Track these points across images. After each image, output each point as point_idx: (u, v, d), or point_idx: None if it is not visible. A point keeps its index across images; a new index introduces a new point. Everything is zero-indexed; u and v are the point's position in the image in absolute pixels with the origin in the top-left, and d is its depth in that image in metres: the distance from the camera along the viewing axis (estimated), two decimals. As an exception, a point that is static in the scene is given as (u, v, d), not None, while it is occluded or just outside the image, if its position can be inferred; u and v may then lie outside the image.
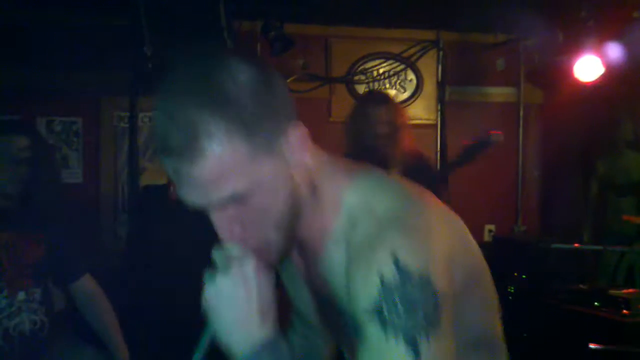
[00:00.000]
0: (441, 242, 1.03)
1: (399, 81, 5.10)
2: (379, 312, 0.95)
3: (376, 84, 5.04)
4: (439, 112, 5.03)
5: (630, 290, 3.37)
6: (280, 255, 1.10)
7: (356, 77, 5.02)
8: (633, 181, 4.35)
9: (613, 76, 4.24)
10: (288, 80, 4.73)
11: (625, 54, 4.13)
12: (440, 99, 5.02)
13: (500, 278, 3.89)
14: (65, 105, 4.59)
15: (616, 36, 4.17)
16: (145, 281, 3.67)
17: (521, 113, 5.18)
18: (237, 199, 1.01)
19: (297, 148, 1.06)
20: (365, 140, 3.16)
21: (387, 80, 5.08)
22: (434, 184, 3.13)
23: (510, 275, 3.79)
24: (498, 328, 1.26)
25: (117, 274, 3.82)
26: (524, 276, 3.74)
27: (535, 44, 4.91)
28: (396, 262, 0.96)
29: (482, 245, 4.04)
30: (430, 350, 0.94)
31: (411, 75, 5.12)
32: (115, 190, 4.68)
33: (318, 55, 4.97)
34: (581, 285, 3.48)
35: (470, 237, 1.16)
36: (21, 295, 2.51)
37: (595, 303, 3.21)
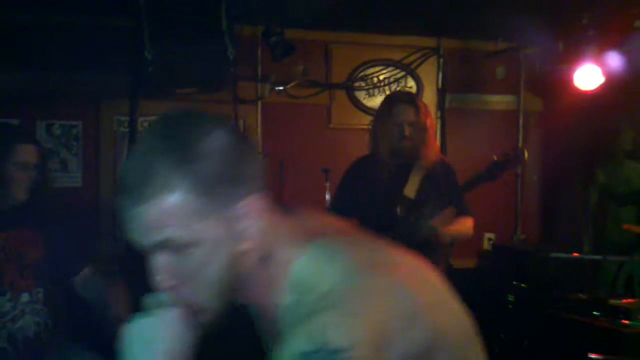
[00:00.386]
0: (374, 324, 1.02)
1: (399, 88, 5.10)
2: None
3: (376, 91, 5.04)
4: (439, 119, 5.03)
5: (630, 300, 3.37)
6: (210, 317, 1.12)
7: (356, 84, 5.03)
8: (633, 190, 4.36)
9: (613, 85, 4.25)
10: (288, 86, 4.74)
11: (625, 63, 4.14)
12: (440, 106, 5.02)
13: (499, 286, 3.90)
14: (65, 108, 4.58)
15: (616, 45, 4.18)
16: (144, 285, 3.65)
17: (521, 121, 5.18)
18: (172, 247, 1.05)
19: (252, 218, 1.07)
20: (392, 142, 3.10)
21: (387, 87, 5.08)
22: (457, 193, 3.10)
23: (509, 284, 3.79)
24: None
25: (114, 277, 3.80)
26: (523, 285, 3.73)
27: (535, 52, 4.92)
28: (317, 340, 0.96)
29: (482, 253, 4.05)
30: None
31: (411, 82, 5.12)
32: (115, 194, 4.66)
33: (318, 61, 4.98)
34: (580, 295, 3.47)
35: (425, 303, 1.11)
36: (25, 297, 2.50)
37: (595, 312, 3.21)
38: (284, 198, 4.26)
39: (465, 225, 3.10)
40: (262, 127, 4.87)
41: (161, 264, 1.07)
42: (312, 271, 1.08)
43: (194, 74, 4.27)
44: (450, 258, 3.27)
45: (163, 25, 3.96)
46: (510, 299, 3.71)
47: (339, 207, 3.28)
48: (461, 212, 3.06)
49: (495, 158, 2.92)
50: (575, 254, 3.88)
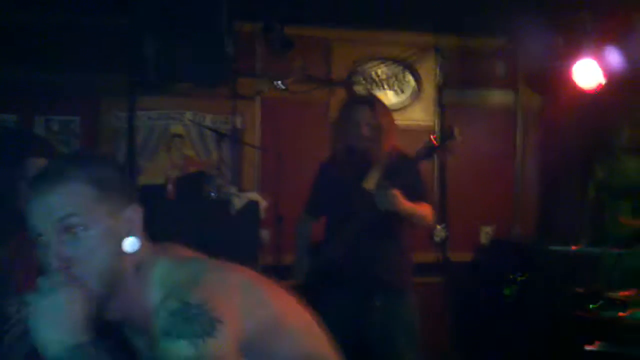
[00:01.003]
0: (228, 294, 1.30)
1: (397, 84, 5.10)
2: (167, 332, 1.21)
3: (375, 86, 5.04)
4: (438, 116, 5.03)
5: (627, 292, 3.37)
6: (97, 303, 1.28)
7: (355, 80, 5.03)
8: (630, 185, 4.35)
9: (612, 81, 4.25)
10: (287, 82, 4.74)
11: (624, 59, 4.14)
12: (439, 102, 5.02)
13: (496, 280, 3.93)
14: (64, 104, 4.59)
15: (615, 41, 4.18)
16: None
17: (519, 117, 5.19)
18: (70, 225, 1.25)
19: (135, 225, 1.33)
20: (350, 141, 3.25)
21: (386, 83, 5.08)
22: (416, 183, 3.20)
23: (506, 278, 3.79)
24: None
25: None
26: (519, 278, 3.74)
27: (534, 48, 4.91)
28: (182, 300, 1.23)
29: (479, 247, 4.08)
30: (208, 347, 1.19)
31: (410, 78, 5.13)
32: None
33: (318, 57, 4.98)
34: (578, 288, 3.48)
35: (271, 298, 1.43)
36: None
37: (592, 305, 3.22)
38: (282, 194, 4.27)
39: (422, 207, 3.20)
40: (260, 122, 4.88)
41: (56, 245, 1.26)
42: (170, 268, 1.34)
43: (193, 70, 4.28)
44: (447, 251, 3.30)
45: (162, 21, 3.98)
46: (506, 292, 3.71)
47: (311, 210, 3.54)
48: (420, 199, 3.15)
49: (433, 136, 3.12)
50: (574, 247, 3.88)
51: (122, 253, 1.30)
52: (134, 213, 1.33)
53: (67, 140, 4.59)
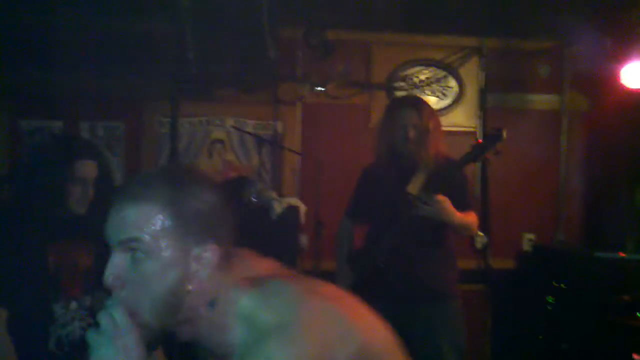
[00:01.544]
0: (316, 346, 1.20)
1: (439, 88, 5.05)
2: None
3: (417, 91, 5.00)
4: (480, 120, 4.96)
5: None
6: (149, 333, 1.24)
7: (396, 84, 5.00)
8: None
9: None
10: (328, 87, 4.74)
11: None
12: (482, 106, 4.96)
13: (538, 288, 3.85)
14: (108, 110, 4.67)
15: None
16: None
17: (565, 121, 5.07)
18: (133, 248, 1.21)
19: (205, 265, 1.24)
20: (395, 144, 3.18)
21: (427, 87, 5.03)
22: (463, 190, 3.12)
23: (549, 285, 3.71)
24: None
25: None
26: (563, 286, 3.66)
27: (581, 50, 4.81)
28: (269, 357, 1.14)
29: (521, 254, 3.99)
30: None
31: (452, 82, 5.07)
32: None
33: (359, 61, 4.96)
34: (624, 296, 3.38)
35: (356, 323, 1.32)
36: (74, 305, 2.56)
37: (638, 314, 3.13)
38: (322, 200, 4.26)
39: (469, 216, 3.11)
40: (301, 127, 4.89)
41: (116, 263, 1.23)
42: (256, 305, 1.24)
43: (235, 75, 4.32)
44: (488, 258, 3.24)
45: (205, 27, 4.02)
46: (549, 300, 3.63)
47: (352, 213, 3.48)
48: (466, 207, 3.07)
49: (479, 140, 2.99)
50: (621, 254, 3.77)
51: (185, 289, 1.22)
52: (208, 253, 1.24)
53: (111, 145, 4.67)
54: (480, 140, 3.05)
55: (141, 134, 4.75)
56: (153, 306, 1.22)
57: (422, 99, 3.45)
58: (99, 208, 2.54)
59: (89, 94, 4.51)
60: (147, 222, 1.21)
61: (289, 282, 1.33)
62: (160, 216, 1.21)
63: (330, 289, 1.38)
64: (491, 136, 3.02)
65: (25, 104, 4.54)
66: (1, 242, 2.39)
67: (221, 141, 4.83)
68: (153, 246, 1.20)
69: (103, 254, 2.61)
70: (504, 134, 2.98)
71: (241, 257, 1.37)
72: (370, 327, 1.37)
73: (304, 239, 4.34)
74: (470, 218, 3.11)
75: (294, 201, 4.28)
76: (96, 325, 1.22)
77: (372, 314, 1.41)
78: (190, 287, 1.22)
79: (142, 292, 1.22)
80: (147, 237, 1.20)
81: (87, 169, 2.52)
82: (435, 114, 3.35)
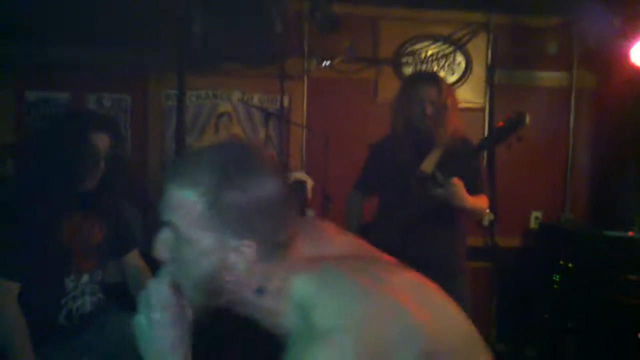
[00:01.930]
0: (370, 348, 1.13)
1: (447, 64, 5.02)
2: None
3: (424, 66, 4.97)
4: (488, 96, 4.94)
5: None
6: (195, 306, 1.26)
7: (404, 59, 4.96)
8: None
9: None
10: (335, 61, 4.71)
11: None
12: (490, 83, 4.92)
13: (545, 266, 3.84)
14: (115, 82, 4.65)
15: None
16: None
17: (573, 98, 5.04)
18: (174, 231, 1.21)
19: (242, 259, 1.20)
20: (412, 120, 3.11)
21: (435, 63, 5.00)
22: (476, 172, 3.08)
23: (555, 264, 3.71)
24: None
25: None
26: (570, 265, 3.66)
27: (590, 27, 4.76)
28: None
29: (528, 232, 3.97)
30: None
31: (460, 58, 5.03)
32: (162, 167, 4.74)
33: (365, 36, 4.93)
34: (631, 276, 3.39)
35: (419, 317, 1.23)
36: (85, 278, 2.57)
37: (645, 294, 3.13)
38: (329, 173, 4.26)
39: (480, 200, 3.04)
40: (307, 102, 4.87)
41: (164, 237, 1.24)
42: (312, 295, 1.20)
43: (241, 49, 4.29)
44: (495, 236, 3.23)
45: (212, 1, 3.99)
46: (555, 278, 3.64)
47: (361, 185, 3.42)
48: (478, 190, 3.02)
49: (500, 123, 2.87)
50: (630, 233, 3.74)
51: (223, 278, 1.21)
52: (247, 249, 1.19)
53: (118, 118, 4.66)
54: (501, 123, 2.92)
55: (148, 107, 4.73)
56: (193, 285, 1.23)
57: (438, 74, 3.36)
58: (110, 182, 2.54)
59: (96, 66, 4.49)
60: (185, 209, 1.19)
61: (351, 272, 1.26)
62: (198, 205, 1.18)
63: (400, 276, 1.33)
64: (513, 120, 2.87)
65: (31, 75, 4.51)
66: (15, 215, 2.39)
67: (228, 114, 4.82)
68: (189, 233, 1.19)
69: (113, 227, 2.64)
70: (527, 118, 2.84)
71: (309, 232, 1.34)
72: (440, 323, 1.28)
73: (311, 213, 4.35)
74: (481, 202, 3.05)
75: (301, 175, 4.28)
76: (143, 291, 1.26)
77: (448, 305, 1.36)
78: (228, 277, 1.21)
79: (183, 271, 1.23)
80: (183, 224, 1.19)
81: (101, 142, 2.51)
82: (453, 91, 3.26)
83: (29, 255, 2.36)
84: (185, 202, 1.19)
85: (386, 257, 1.45)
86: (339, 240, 1.43)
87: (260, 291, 1.23)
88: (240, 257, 1.20)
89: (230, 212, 1.17)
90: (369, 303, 1.19)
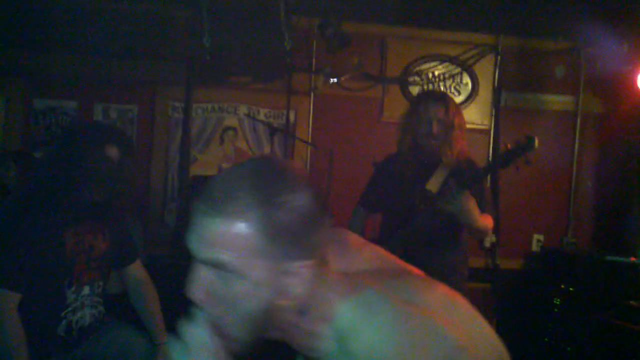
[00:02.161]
0: None
1: (454, 84, 5.03)
2: None
3: (431, 86, 4.98)
4: (494, 118, 4.94)
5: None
6: (238, 346, 1.16)
7: (411, 78, 4.98)
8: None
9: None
10: (342, 78, 4.73)
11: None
12: (496, 105, 4.93)
13: (546, 289, 3.81)
14: (122, 93, 4.68)
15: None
16: (191, 270, 3.70)
17: (579, 122, 5.04)
18: (220, 269, 1.10)
19: (299, 281, 1.12)
20: (419, 138, 3.10)
21: (442, 83, 5.01)
22: (482, 193, 3.07)
23: (556, 287, 3.70)
24: None
25: (163, 262, 3.88)
26: (571, 289, 3.64)
27: (598, 52, 4.78)
28: None
29: (530, 255, 3.94)
30: None
31: (467, 79, 5.05)
32: (165, 179, 4.75)
33: (373, 54, 4.95)
34: (632, 301, 3.37)
35: (460, 338, 1.17)
36: (86, 290, 2.56)
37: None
38: (332, 191, 4.26)
39: (487, 220, 3.00)
40: (313, 118, 4.88)
41: (202, 277, 1.13)
42: (355, 321, 1.13)
43: (249, 63, 4.31)
44: (496, 258, 3.22)
45: (222, 14, 4.01)
46: (556, 302, 3.62)
47: (365, 202, 3.40)
48: (483, 211, 3.00)
49: (508, 146, 2.85)
50: (633, 259, 3.72)
51: (277, 305, 1.12)
52: (303, 269, 1.11)
53: (124, 128, 4.68)
54: (510, 146, 2.89)
55: (154, 118, 4.75)
56: (242, 323, 1.13)
57: (447, 94, 3.33)
58: (117, 193, 2.53)
59: (104, 76, 4.52)
60: (235, 242, 1.08)
61: (393, 297, 1.18)
62: (250, 236, 1.07)
63: (433, 294, 1.26)
64: (522, 143, 2.82)
65: (39, 84, 4.55)
66: (19, 226, 2.38)
67: (233, 128, 4.83)
68: (242, 266, 1.08)
69: (117, 238, 2.63)
70: (536, 142, 2.78)
71: (335, 244, 1.26)
72: (476, 339, 1.23)
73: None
74: (488, 221, 3.04)
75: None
76: (178, 335, 1.17)
77: (477, 317, 1.29)
78: (282, 303, 1.13)
79: (230, 309, 1.13)
80: (234, 258, 1.08)
81: (112, 154, 2.51)
82: (460, 111, 3.23)
83: (31, 266, 2.35)
84: (236, 234, 1.08)
85: (412, 269, 1.39)
86: (367, 253, 1.36)
87: (302, 312, 1.16)
88: (297, 280, 1.12)
89: (282, 234, 1.08)
90: (413, 332, 1.13)
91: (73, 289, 2.50)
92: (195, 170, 4.61)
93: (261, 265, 1.09)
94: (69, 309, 2.50)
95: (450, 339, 1.15)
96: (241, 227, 1.07)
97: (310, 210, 1.11)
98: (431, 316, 1.17)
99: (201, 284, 1.13)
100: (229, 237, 1.08)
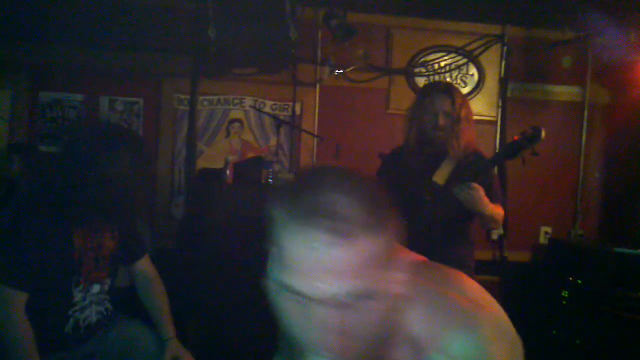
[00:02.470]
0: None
1: (460, 75, 5.01)
2: None
3: (437, 77, 4.97)
4: (500, 109, 4.92)
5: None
6: None
7: (417, 70, 4.96)
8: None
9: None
10: (348, 70, 4.72)
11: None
12: (502, 96, 4.91)
13: (554, 282, 3.80)
14: (128, 85, 4.68)
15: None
16: (198, 263, 3.72)
17: (586, 113, 5.02)
18: (347, 301, 0.95)
19: (395, 284, 1.03)
20: (426, 131, 3.08)
21: (448, 74, 5.00)
22: (492, 184, 3.06)
23: (565, 280, 3.68)
24: None
25: (170, 255, 3.88)
26: (579, 281, 3.63)
27: (605, 42, 4.74)
28: None
29: (538, 247, 3.93)
30: None
31: (473, 70, 5.03)
32: (172, 172, 4.76)
33: (379, 45, 4.93)
34: (638, 294, 3.36)
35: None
36: (96, 289, 2.56)
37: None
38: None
39: (497, 209, 2.99)
40: (319, 110, 4.87)
41: (335, 319, 0.96)
42: (427, 328, 1.07)
43: (255, 55, 4.30)
44: (504, 250, 3.21)
45: (227, 6, 4.00)
46: (564, 294, 3.61)
47: None
48: (493, 201, 2.99)
49: (515, 137, 2.84)
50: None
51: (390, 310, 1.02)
52: (405, 259, 1.08)
53: (130, 120, 4.68)
54: (517, 138, 2.88)
55: (160, 111, 4.75)
56: (363, 346, 1.01)
57: (454, 86, 3.30)
58: (128, 196, 2.50)
59: (110, 69, 4.51)
60: (369, 262, 0.95)
61: (444, 290, 1.14)
62: (378, 247, 0.96)
63: (471, 284, 1.20)
64: (529, 135, 2.83)
65: (45, 77, 4.55)
66: (27, 226, 2.37)
67: (239, 121, 4.83)
68: (372, 286, 0.96)
69: (126, 235, 2.61)
70: (543, 133, 2.80)
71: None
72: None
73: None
74: (499, 211, 3.00)
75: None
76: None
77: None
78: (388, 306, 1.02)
79: (357, 338, 0.99)
80: (368, 278, 0.95)
81: (124, 157, 2.47)
82: (467, 103, 3.18)
83: (39, 265, 2.35)
84: (368, 256, 0.95)
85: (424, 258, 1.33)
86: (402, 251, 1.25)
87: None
88: (395, 285, 1.02)
89: (394, 240, 1.00)
90: (486, 329, 1.08)
91: (81, 288, 2.50)
92: (202, 163, 4.61)
93: (384, 278, 0.98)
94: (77, 307, 2.50)
95: (510, 325, 1.13)
96: (368, 244, 0.95)
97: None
98: (490, 307, 1.14)
99: (336, 326, 0.96)
100: (359, 262, 0.94)
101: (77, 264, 2.46)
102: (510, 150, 2.87)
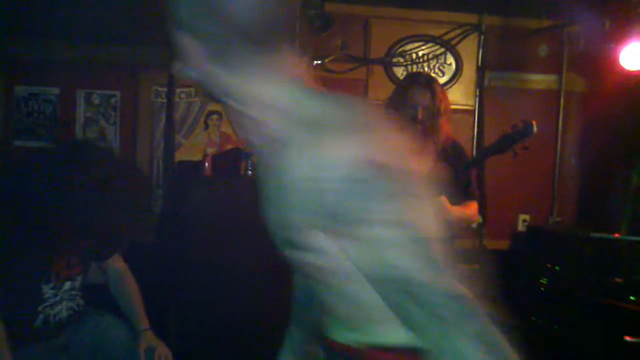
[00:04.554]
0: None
1: (437, 65, 5.03)
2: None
3: (415, 67, 4.98)
4: (478, 98, 4.95)
5: (668, 285, 3.29)
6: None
7: (394, 59, 4.97)
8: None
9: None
10: (326, 60, 4.71)
11: (674, 43, 4.01)
12: (480, 85, 4.94)
13: (532, 269, 3.84)
14: (104, 78, 4.63)
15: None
16: (177, 256, 3.71)
17: (562, 101, 5.06)
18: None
19: None
20: (405, 124, 3.07)
21: (425, 64, 5.01)
22: (467, 174, 3.07)
23: (543, 266, 3.72)
24: None
25: (149, 248, 3.86)
26: (557, 267, 3.67)
27: (580, 30, 4.78)
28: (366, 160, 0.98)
29: (516, 234, 3.97)
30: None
31: (450, 59, 5.04)
32: (151, 165, 4.73)
33: (357, 35, 4.93)
34: (617, 279, 3.40)
35: None
36: (67, 285, 2.55)
37: (632, 297, 3.14)
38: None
39: (469, 208, 2.98)
40: (298, 101, 4.85)
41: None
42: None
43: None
44: (483, 238, 3.24)
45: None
46: (543, 281, 3.65)
47: None
48: (469, 194, 2.98)
49: (507, 131, 2.83)
50: (617, 235, 3.75)
51: None
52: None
53: (107, 114, 4.64)
54: (509, 131, 2.86)
55: (137, 104, 4.71)
56: None
57: (434, 78, 3.25)
58: (104, 201, 2.47)
59: (86, 62, 4.46)
60: None
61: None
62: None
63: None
64: (520, 129, 2.82)
65: (21, 70, 4.49)
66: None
67: (218, 113, 4.80)
68: None
69: (97, 233, 2.59)
70: (534, 127, 2.79)
71: None
72: None
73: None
74: (469, 210, 2.98)
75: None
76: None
77: None
78: None
79: None
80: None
81: (98, 176, 2.44)
82: (446, 95, 3.16)
83: (8, 263, 2.33)
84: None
85: None
86: None
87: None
88: None
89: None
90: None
91: (51, 285, 2.49)
92: (180, 155, 4.58)
93: None
94: (47, 303, 2.50)
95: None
96: None
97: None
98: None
99: None
100: None
101: (48, 263, 2.45)
102: (501, 144, 2.86)
